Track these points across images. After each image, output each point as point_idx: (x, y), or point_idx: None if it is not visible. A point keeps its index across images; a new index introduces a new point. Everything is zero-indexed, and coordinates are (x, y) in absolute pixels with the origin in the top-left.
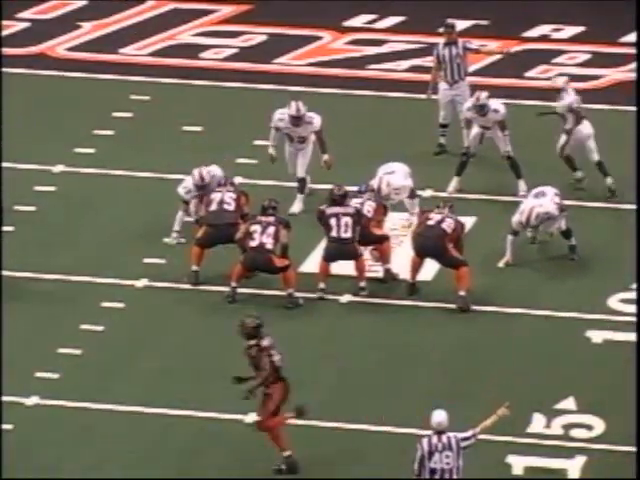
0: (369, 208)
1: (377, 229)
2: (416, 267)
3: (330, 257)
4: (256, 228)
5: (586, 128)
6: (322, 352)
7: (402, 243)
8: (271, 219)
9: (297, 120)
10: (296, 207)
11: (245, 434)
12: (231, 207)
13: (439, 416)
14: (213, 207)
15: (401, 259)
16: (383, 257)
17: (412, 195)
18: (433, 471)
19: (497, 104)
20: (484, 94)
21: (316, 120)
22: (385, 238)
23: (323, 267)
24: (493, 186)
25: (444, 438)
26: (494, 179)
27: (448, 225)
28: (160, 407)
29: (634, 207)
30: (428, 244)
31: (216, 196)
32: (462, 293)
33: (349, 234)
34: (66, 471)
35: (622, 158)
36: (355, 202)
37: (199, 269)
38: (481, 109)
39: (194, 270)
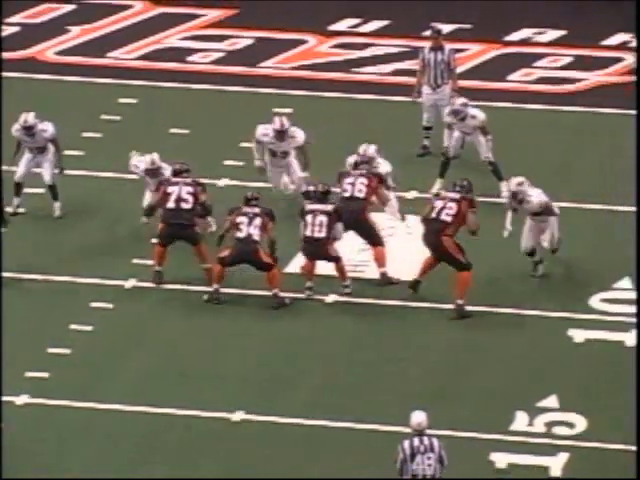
0: (361, 187)
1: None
2: (426, 267)
3: (307, 255)
4: (242, 219)
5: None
6: (308, 352)
7: (393, 235)
8: (256, 210)
9: (281, 134)
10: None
11: (232, 432)
12: (189, 205)
13: (419, 417)
14: (171, 204)
15: (396, 256)
16: (378, 261)
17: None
18: (415, 475)
19: (475, 110)
20: (460, 100)
21: (299, 135)
22: (379, 242)
23: (308, 265)
24: (476, 188)
25: (425, 440)
26: (477, 181)
27: (448, 212)
28: (148, 405)
29: (616, 208)
30: (430, 241)
31: (174, 190)
32: (459, 302)
33: (323, 234)
34: (55, 468)
35: (603, 160)
36: (347, 182)
37: (162, 269)
38: (457, 114)
39: (157, 270)
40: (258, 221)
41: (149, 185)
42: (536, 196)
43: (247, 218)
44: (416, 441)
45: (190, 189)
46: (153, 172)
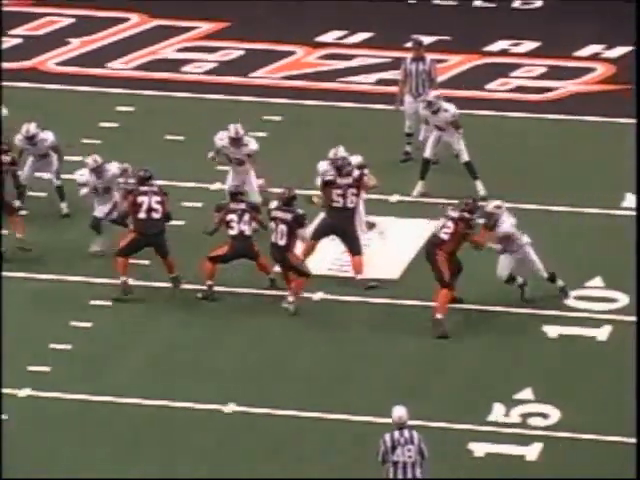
0: (352, 198)
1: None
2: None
3: (273, 259)
4: (232, 217)
5: None
6: (295, 347)
7: (370, 245)
8: (242, 205)
9: (235, 142)
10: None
11: (224, 422)
12: (158, 214)
13: (399, 411)
14: (142, 215)
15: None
16: (355, 268)
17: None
18: (396, 464)
19: (448, 105)
20: (434, 93)
21: (252, 144)
22: (358, 252)
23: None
24: (456, 190)
25: (406, 433)
26: (457, 183)
27: (446, 231)
28: (145, 398)
29: (588, 210)
30: (427, 252)
31: (143, 201)
32: (438, 316)
33: (284, 242)
34: (56, 458)
35: (574, 164)
36: (337, 193)
37: (127, 279)
38: (430, 105)
39: (125, 280)
40: (247, 217)
41: (93, 197)
42: (506, 225)
43: (236, 215)
44: (397, 434)
45: (158, 198)
46: (98, 172)
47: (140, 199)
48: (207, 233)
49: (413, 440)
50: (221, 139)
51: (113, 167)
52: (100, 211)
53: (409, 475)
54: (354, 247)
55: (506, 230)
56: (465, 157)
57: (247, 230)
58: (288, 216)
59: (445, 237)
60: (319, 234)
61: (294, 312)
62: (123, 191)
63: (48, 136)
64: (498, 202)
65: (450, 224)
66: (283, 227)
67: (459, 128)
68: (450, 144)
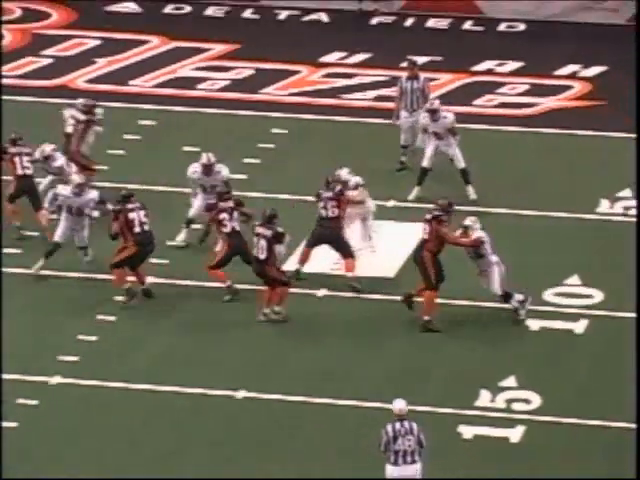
0: (333, 209)
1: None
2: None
3: (254, 273)
4: (224, 215)
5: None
6: (300, 339)
7: (372, 252)
8: (230, 203)
9: (208, 169)
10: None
11: (237, 407)
12: (148, 226)
13: (400, 404)
14: (137, 229)
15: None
16: (348, 270)
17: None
18: (397, 452)
19: (447, 112)
20: (437, 101)
21: (224, 171)
22: (350, 255)
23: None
24: (450, 197)
25: (406, 424)
26: (451, 190)
27: (425, 232)
28: (164, 385)
29: (566, 214)
30: (414, 255)
31: (134, 217)
32: (426, 318)
33: (264, 256)
34: (84, 441)
35: (554, 173)
36: (320, 205)
37: (130, 285)
38: (433, 113)
39: (128, 288)
40: (236, 214)
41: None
42: (480, 232)
43: (227, 214)
44: (397, 425)
45: (144, 212)
46: (80, 190)
47: (131, 216)
48: (201, 239)
49: (412, 431)
50: (194, 172)
51: (94, 193)
52: (80, 240)
53: (409, 461)
54: (345, 250)
55: (480, 235)
56: (461, 164)
57: (237, 227)
58: (268, 232)
59: (426, 237)
60: (312, 243)
61: (284, 319)
62: (112, 214)
63: (59, 159)
64: (474, 218)
65: (426, 226)
66: (263, 242)
67: (456, 135)
68: (446, 153)
